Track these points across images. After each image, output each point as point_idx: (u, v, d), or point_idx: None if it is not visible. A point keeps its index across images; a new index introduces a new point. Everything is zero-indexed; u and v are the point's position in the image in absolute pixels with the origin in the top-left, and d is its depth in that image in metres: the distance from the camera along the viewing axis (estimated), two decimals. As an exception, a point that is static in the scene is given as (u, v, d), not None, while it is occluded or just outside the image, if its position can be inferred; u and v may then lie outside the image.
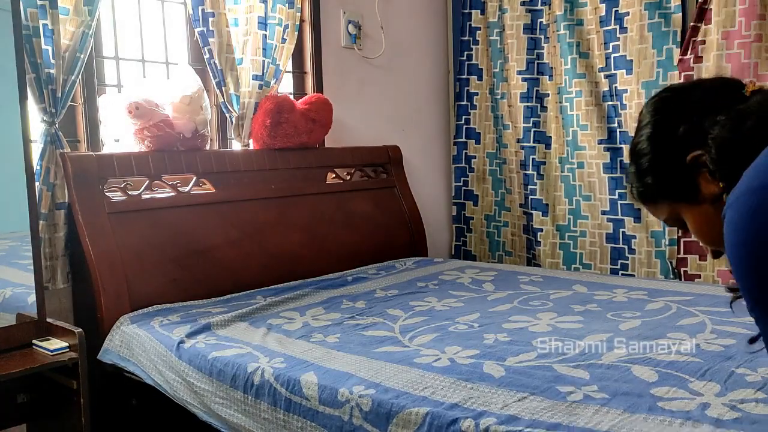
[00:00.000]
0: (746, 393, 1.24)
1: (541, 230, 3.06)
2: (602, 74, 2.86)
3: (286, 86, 2.75)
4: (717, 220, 0.72)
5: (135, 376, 1.83)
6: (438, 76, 3.37)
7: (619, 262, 2.87)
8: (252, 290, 2.22)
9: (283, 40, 2.53)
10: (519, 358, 1.50)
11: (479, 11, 3.20)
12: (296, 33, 2.58)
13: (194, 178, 2.27)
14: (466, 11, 3.22)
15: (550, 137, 3.05)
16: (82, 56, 2.00)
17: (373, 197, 2.86)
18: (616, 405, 1.22)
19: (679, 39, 2.63)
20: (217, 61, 2.34)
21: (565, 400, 1.25)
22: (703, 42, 2.57)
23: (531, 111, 3.07)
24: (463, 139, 3.30)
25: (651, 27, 2.68)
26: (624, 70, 2.78)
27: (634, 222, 2.82)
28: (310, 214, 2.58)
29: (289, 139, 2.51)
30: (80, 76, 2.03)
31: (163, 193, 2.20)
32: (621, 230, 2.85)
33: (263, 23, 2.46)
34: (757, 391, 1.25)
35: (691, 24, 2.58)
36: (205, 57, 2.34)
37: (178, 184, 2.23)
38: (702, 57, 2.58)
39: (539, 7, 3.02)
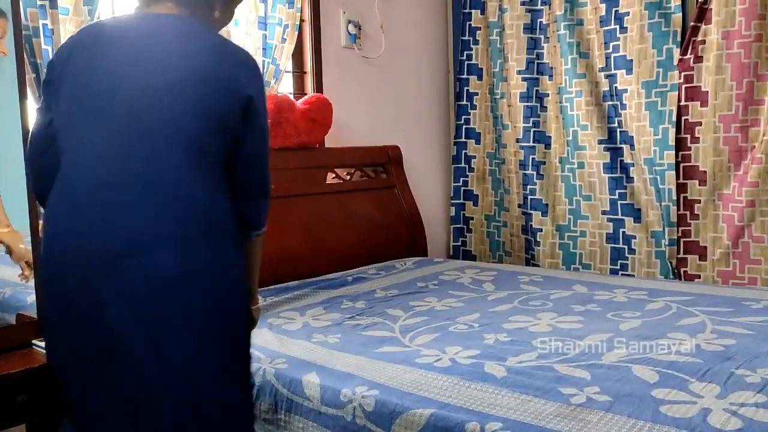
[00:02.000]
0: (746, 396, 1.24)
1: (541, 230, 3.06)
2: (602, 74, 2.86)
3: (286, 86, 2.75)
4: None
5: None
6: (438, 76, 3.37)
7: (619, 262, 2.87)
8: (252, 290, 2.22)
9: (283, 40, 2.53)
10: (519, 358, 1.50)
11: (479, 11, 3.19)
12: (296, 33, 2.58)
13: (194, 178, 2.26)
14: (466, 11, 3.22)
15: (550, 137, 3.05)
16: (82, 56, 1.99)
17: (373, 197, 2.86)
18: (620, 410, 1.21)
19: (679, 39, 2.63)
20: (217, 61, 2.34)
21: (569, 403, 1.25)
22: (703, 42, 2.57)
23: (531, 111, 3.07)
24: (463, 139, 3.30)
25: (651, 27, 2.68)
26: (624, 70, 2.78)
27: (634, 222, 2.82)
28: (310, 214, 2.58)
29: (289, 139, 2.51)
30: (80, 76, 2.03)
31: (163, 193, 2.19)
32: (621, 230, 2.85)
33: (263, 23, 2.46)
34: (757, 394, 1.25)
35: (691, 24, 2.58)
36: (205, 57, 2.34)
37: (178, 184, 2.23)
38: (702, 57, 2.58)
39: (539, 6, 3.02)
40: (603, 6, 2.82)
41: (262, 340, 1.72)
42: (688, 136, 2.64)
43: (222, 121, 1.21)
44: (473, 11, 3.20)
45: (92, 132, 1.17)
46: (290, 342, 1.71)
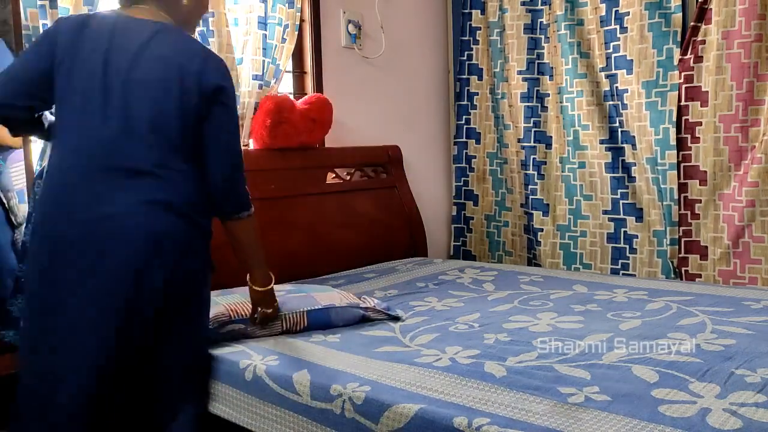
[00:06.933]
0: (746, 396, 1.24)
1: (542, 230, 3.06)
2: (603, 74, 2.86)
3: (286, 86, 2.75)
4: None
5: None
6: (438, 76, 3.37)
7: (620, 261, 2.86)
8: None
9: (283, 40, 2.53)
10: (519, 358, 1.50)
11: (479, 11, 3.19)
12: (296, 33, 2.58)
13: (194, 178, 2.26)
14: (466, 11, 3.22)
15: (551, 137, 3.05)
16: (82, 56, 1.99)
17: (373, 197, 2.86)
18: (617, 409, 1.21)
19: (679, 39, 2.63)
20: (217, 61, 2.34)
21: (566, 402, 1.25)
22: (704, 42, 2.57)
23: (531, 111, 3.07)
24: (464, 139, 3.30)
25: (651, 27, 2.68)
26: (624, 70, 2.78)
27: (636, 222, 2.82)
28: (311, 214, 2.58)
29: (289, 139, 2.51)
30: (80, 76, 2.03)
31: (163, 193, 2.19)
32: (622, 230, 2.85)
33: (263, 23, 2.46)
34: (757, 394, 1.25)
35: (692, 24, 2.58)
36: (205, 57, 2.34)
37: (178, 184, 2.23)
38: (702, 57, 2.58)
39: (539, 7, 3.02)
40: (603, 6, 2.82)
41: (257, 339, 1.72)
42: (689, 136, 2.64)
43: (193, 109, 1.46)
44: (473, 11, 3.20)
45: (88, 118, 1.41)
46: (287, 341, 1.70)
